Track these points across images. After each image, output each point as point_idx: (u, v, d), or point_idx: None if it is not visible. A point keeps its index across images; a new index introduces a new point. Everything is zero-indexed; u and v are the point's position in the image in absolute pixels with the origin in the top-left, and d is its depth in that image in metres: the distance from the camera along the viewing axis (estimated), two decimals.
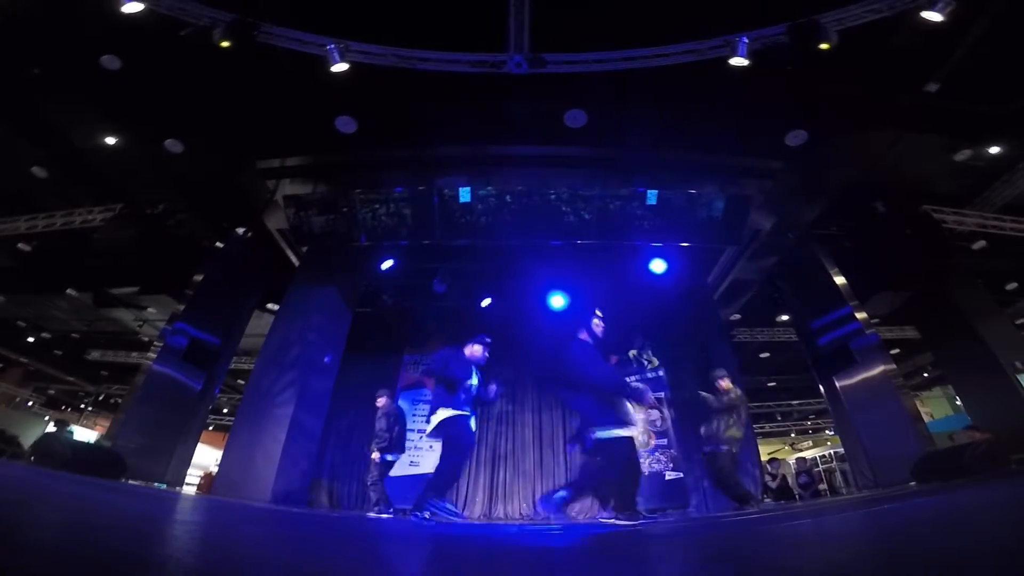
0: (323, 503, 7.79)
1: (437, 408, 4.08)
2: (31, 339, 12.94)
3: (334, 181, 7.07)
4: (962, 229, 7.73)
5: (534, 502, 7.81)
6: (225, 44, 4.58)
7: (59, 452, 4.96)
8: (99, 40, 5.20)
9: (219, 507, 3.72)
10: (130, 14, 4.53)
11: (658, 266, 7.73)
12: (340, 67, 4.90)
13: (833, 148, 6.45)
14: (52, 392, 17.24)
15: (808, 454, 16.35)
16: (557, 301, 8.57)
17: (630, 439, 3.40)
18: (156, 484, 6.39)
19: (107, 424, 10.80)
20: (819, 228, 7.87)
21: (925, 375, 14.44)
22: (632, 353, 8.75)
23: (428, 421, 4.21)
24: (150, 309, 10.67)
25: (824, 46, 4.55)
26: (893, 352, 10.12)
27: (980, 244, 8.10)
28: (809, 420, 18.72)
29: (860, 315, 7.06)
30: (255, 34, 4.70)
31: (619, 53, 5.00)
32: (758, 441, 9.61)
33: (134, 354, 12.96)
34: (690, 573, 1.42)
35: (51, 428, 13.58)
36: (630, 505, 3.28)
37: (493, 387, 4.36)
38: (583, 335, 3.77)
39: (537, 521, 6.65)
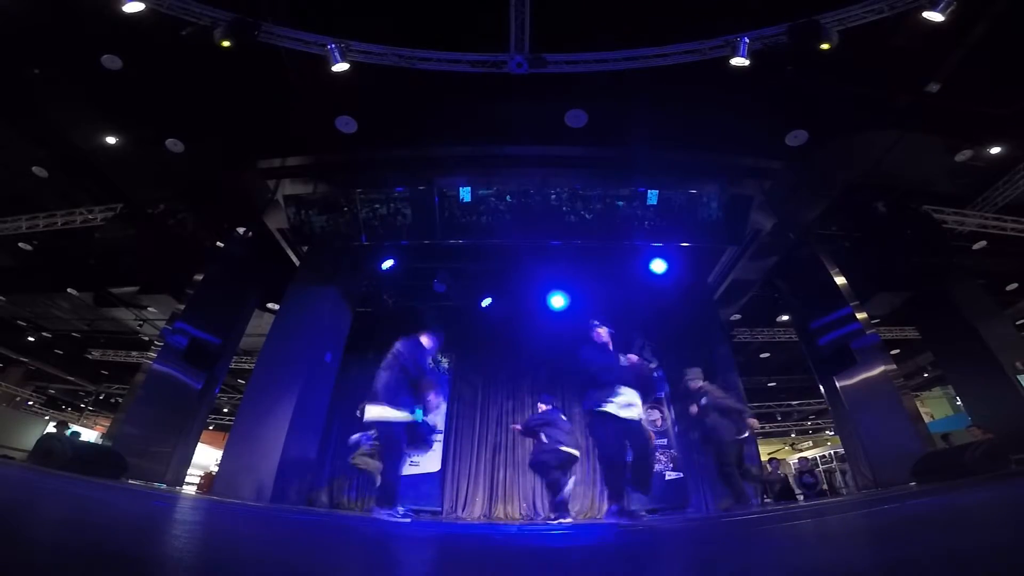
0: (323, 503, 7.79)
1: (385, 403, 3.91)
2: (31, 339, 12.94)
3: (334, 181, 7.07)
4: (962, 229, 7.73)
5: (534, 502, 7.81)
6: (226, 44, 4.59)
7: (59, 452, 4.96)
8: (100, 40, 5.20)
9: (219, 507, 3.72)
10: (131, 14, 4.54)
11: (658, 266, 7.73)
12: (341, 67, 4.90)
13: (833, 148, 6.45)
14: (52, 392, 17.25)
15: (808, 454, 16.35)
16: (557, 301, 8.56)
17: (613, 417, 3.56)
18: (156, 484, 6.39)
19: (107, 424, 10.82)
20: (819, 228, 7.86)
21: (925, 375, 14.43)
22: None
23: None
24: (150, 309, 10.67)
25: (825, 46, 4.56)
26: (893, 352, 10.13)
27: (980, 244, 8.10)
28: (809, 420, 18.72)
29: (860, 315, 7.05)
30: (256, 34, 4.70)
31: (620, 53, 5.00)
32: (758, 441, 9.61)
33: (134, 353, 12.97)
34: (693, 573, 1.42)
35: (51, 428, 13.62)
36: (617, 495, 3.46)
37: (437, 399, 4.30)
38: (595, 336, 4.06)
39: (537, 521, 6.65)
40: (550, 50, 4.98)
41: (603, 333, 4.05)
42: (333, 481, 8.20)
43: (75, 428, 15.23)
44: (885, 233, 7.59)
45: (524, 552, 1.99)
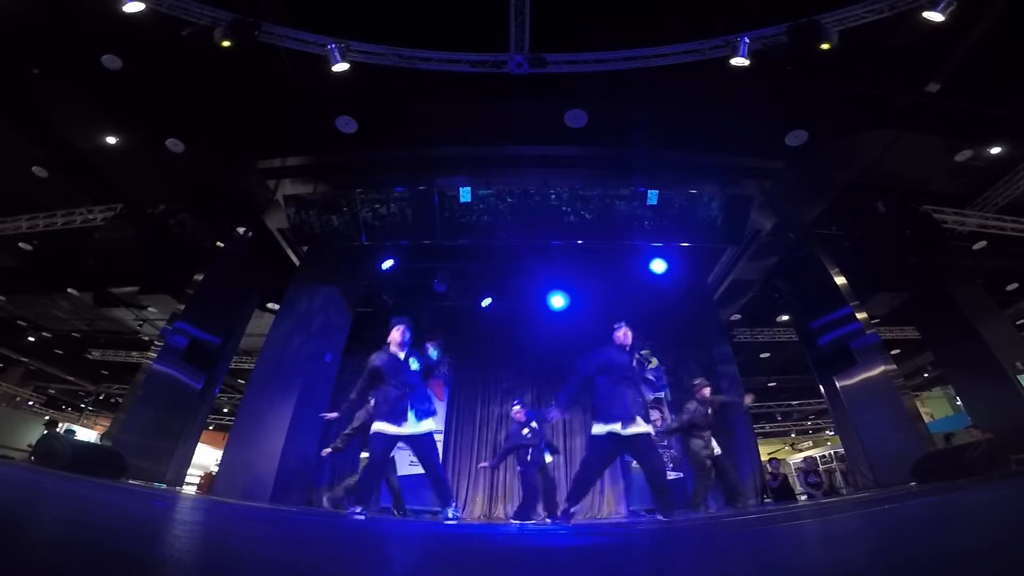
0: (323, 503, 7.78)
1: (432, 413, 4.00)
2: (31, 339, 12.93)
3: (335, 181, 7.07)
4: (962, 229, 7.72)
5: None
6: (226, 44, 4.58)
7: (59, 452, 4.96)
8: (100, 40, 5.21)
9: (219, 507, 3.72)
10: (131, 14, 4.54)
11: (658, 266, 7.73)
12: (341, 67, 4.90)
13: (833, 148, 6.45)
14: (52, 392, 17.24)
15: (809, 454, 16.34)
16: (557, 301, 8.57)
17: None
18: (156, 484, 6.39)
19: (107, 424, 10.81)
20: (819, 228, 7.86)
21: (925, 375, 14.42)
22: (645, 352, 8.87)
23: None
24: (150, 309, 10.66)
25: (825, 46, 4.55)
26: (893, 352, 10.12)
27: (980, 244, 8.10)
28: (809, 420, 18.71)
29: (860, 315, 7.05)
30: (256, 34, 4.70)
31: (620, 53, 5.00)
32: (758, 441, 9.61)
33: (134, 354, 12.97)
34: (693, 571, 1.42)
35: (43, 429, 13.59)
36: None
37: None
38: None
39: (537, 521, 6.64)
40: (550, 50, 4.98)
41: (625, 335, 4.14)
42: (333, 481, 8.20)
43: (69, 426, 15.23)
44: (885, 233, 7.58)
45: (524, 552, 1.99)
